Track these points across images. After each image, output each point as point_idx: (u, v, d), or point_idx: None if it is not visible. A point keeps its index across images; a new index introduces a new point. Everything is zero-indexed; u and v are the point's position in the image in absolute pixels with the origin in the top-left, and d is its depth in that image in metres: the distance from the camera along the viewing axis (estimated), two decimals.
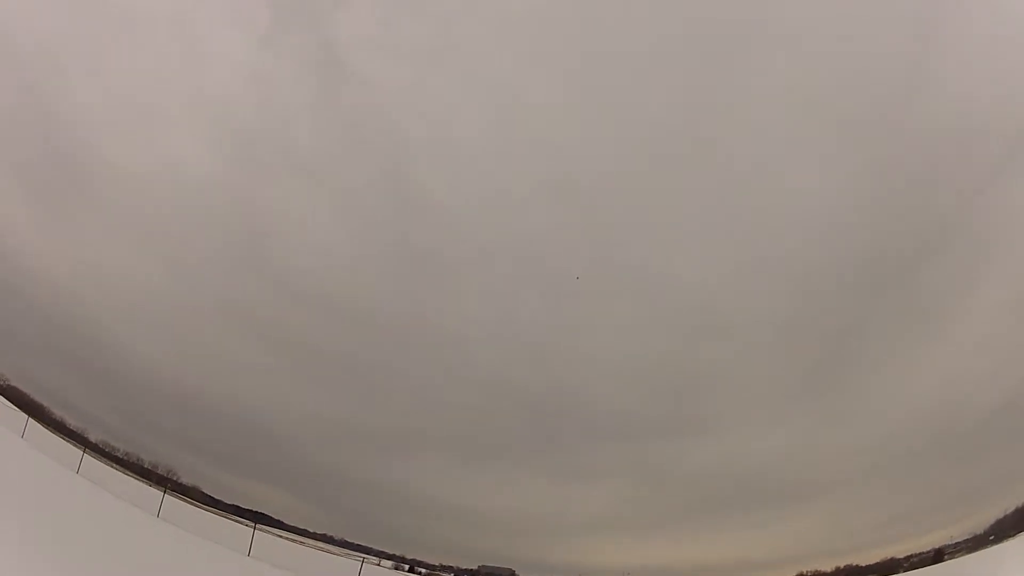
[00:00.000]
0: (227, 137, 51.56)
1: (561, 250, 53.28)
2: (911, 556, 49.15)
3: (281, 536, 50.87)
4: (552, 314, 54.73)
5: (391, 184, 52.74)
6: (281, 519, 52.12)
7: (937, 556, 48.56)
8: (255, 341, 54.84)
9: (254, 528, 47.73)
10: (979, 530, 47.33)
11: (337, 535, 52.93)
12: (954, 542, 48.43)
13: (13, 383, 49.67)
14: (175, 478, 50.78)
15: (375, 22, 48.44)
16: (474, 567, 54.09)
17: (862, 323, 52.13)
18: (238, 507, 51.25)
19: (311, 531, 52.80)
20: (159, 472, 50.68)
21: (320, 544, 52.35)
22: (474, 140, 51.17)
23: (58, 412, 49.80)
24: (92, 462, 46.77)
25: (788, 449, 53.20)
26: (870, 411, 51.62)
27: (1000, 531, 46.39)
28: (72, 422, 49.75)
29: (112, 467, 48.77)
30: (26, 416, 46.49)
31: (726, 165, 49.74)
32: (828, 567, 51.21)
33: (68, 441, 48.05)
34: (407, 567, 54.08)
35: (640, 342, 54.68)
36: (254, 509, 51.27)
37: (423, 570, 54.02)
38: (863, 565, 50.49)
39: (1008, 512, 46.35)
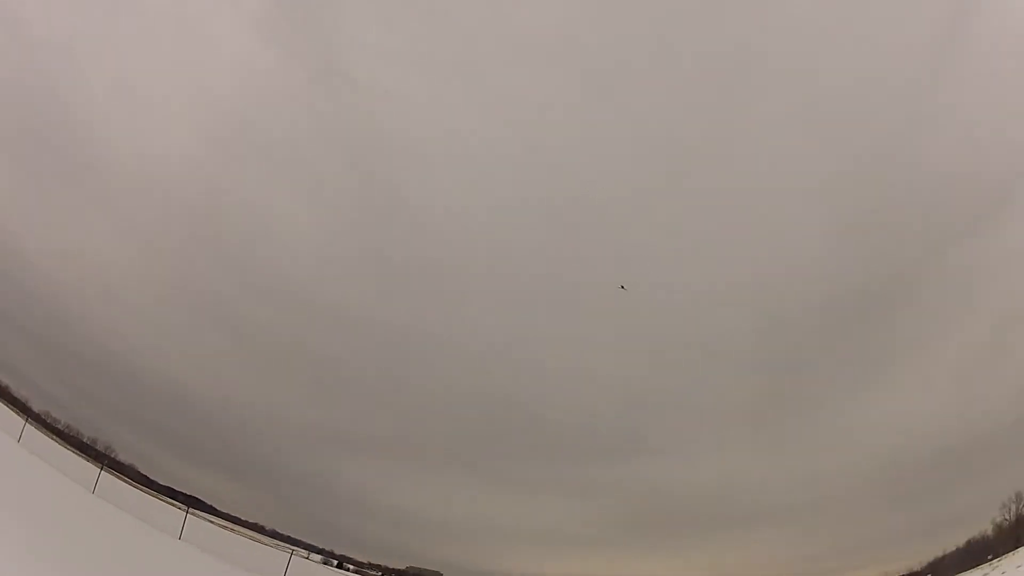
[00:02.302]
0: (220, 130, 51.85)
1: (540, 267, 54.54)
2: None
3: (213, 522, 50.01)
4: (518, 327, 55.69)
5: (377, 190, 53.64)
6: (214, 504, 51.48)
7: None
8: (208, 325, 54.82)
9: (187, 512, 46.95)
10: (917, 567, 48.54)
11: (268, 525, 52.79)
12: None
13: None
14: (112, 455, 50.08)
15: (378, 27, 49.07)
16: (402, 567, 54.54)
17: (823, 362, 54.05)
18: (172, 489, 50.83)
19: (243, 519, 52.30)
20: (97, 448, 50.00)
21: (251, 533, 51.89)
22: (466, 153, 52.24)
23: (4, 378, 48.89)
24: (33, 432, 45.99)
25: (736, 475, 54.44)
26: (820, 446, 53.40)
27: (938, 570, 47.65)
28: (17, 390, 48.94)
29: (52, 439, 48.10)
30: None
31: (713, 198, 51.60)
32: None
33: (11, 408, 47.17)
34: (336, 562, 54.15)
35: (603, 361, 55.84)
36: (188, 492, 50.92)
37: (351, 566, 54.19)
38: None
39: (947, 552, 47.95)
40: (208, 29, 49.60)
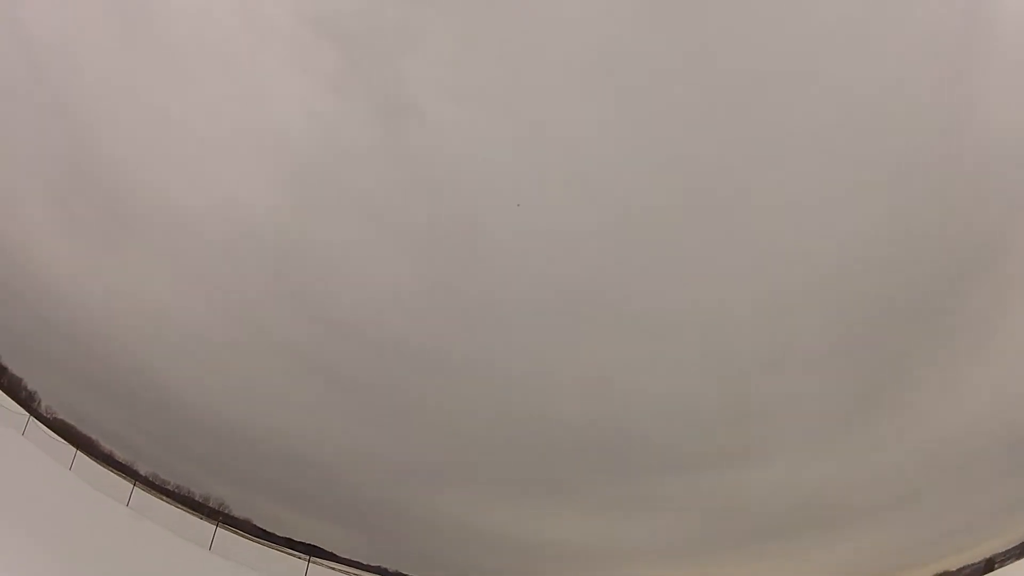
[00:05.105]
0: (285, 175, 49.87)
1: (613, 290, 51.32)
2: (963, 568, 46.46)
3: (335, 568, 46.69)
4: (601, 352, 52.16)
5: (450, 225, 50.87)
6: (334, 551, 48.10)
7: (988, 566, 45.89)
8: (304, 377, 51.94)
9: (308, 561, 43.84)
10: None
11: (391, 567, 49.30)
12: (1004, 550, 45.79)
13: (60, 416, 46.49)
14: (226, 511, 46.96)
15: (444, 65, 47.40)
16: None
17: (906, 346, 49.60)
18: (291, 540, 47.59)
19: (364, 563, 48.75)
20: (210, 505, 47.00)
21: None
22: (541, 183, 49.86)
23: (107, 445, 46.26)
24: (142, 495, 42.92)
25: (835, 474, 50.32)
26: (916, 431, 49.07)
27: None
28: (121, 455, 46.21)
29: (163, 500, 45.03)
30: (74, 449, 42.73)
31: (765, 200, 48.40)
32: None
33: (117, 474, 44.14)
34: None
35: (687, 377, 52.13)
36: (307, 542, 47.65)
37: None
38: None
39: None
40: (279, 88, 48.25)
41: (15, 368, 47.07)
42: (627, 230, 50.13)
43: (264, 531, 47.55)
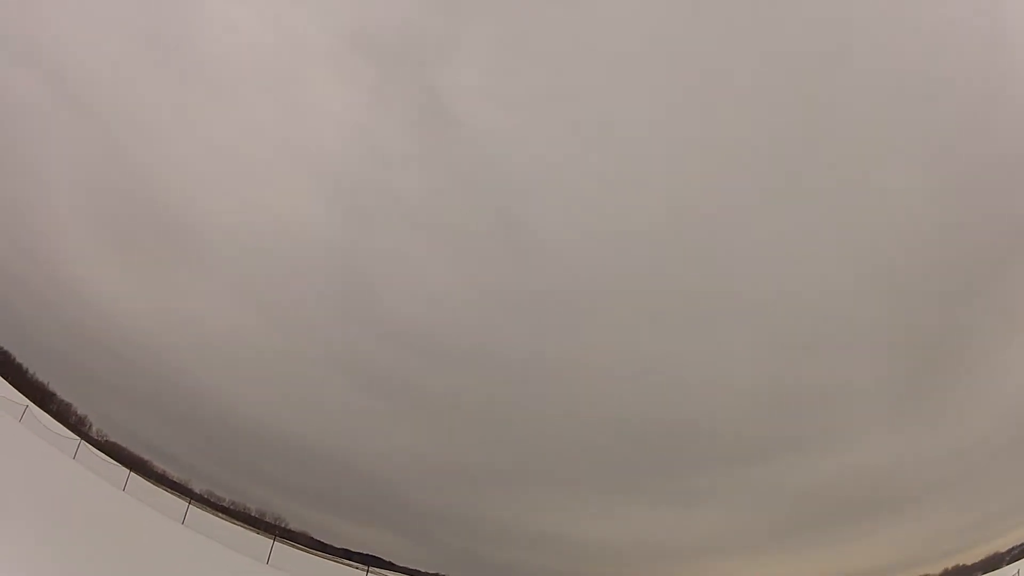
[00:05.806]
0: (330, 188, 50.01)
1: (669, 283, 50.91)
2: (1012, 548, 45.83)
3: None
4: (660, 345, 51.78)
5: (502, 227, 50.89)
6: (392, 560, 47.09)
7: None
8: (358, 386, 51.61)
9: (367, 571, 42.90)
10: None
11: (449, 573, 48.16)
12: None
13: (112, 438, 45.93)
14: (283, 525, 46.29)
15: (481, 72, 47.64)
16: None
17: (958, 327, 49.05)
18: (348, 550, 46.73)
19: (423, 571, 47.79)
20: (267, 520, 46.24)
21: None
22: (583, 180, 49.57)
23: (160, 465, 45.93)
24: (198, 512, 42.01)
25: (891, 457, 49.37)
26: (968, 412, 48.15)
27: None
28: (175, 474, 45.78)
29: (219, 516, 44.21)
30: (127, 470, 41.86)
31: (815, 191, 48.18)
32: (936, 570, 47.37)
33: (172, 493, 43.56)
34: None
35: (746, 366, 51.52)
36: (365, 552, 46.71)
37: None
38: (969, 564, 47.15)
39: None
40: (319, 104, 48.47)
41: (64, 394, 46.68)
42: (678, 225, 49.88)
43: (321, 543, 46.77)
